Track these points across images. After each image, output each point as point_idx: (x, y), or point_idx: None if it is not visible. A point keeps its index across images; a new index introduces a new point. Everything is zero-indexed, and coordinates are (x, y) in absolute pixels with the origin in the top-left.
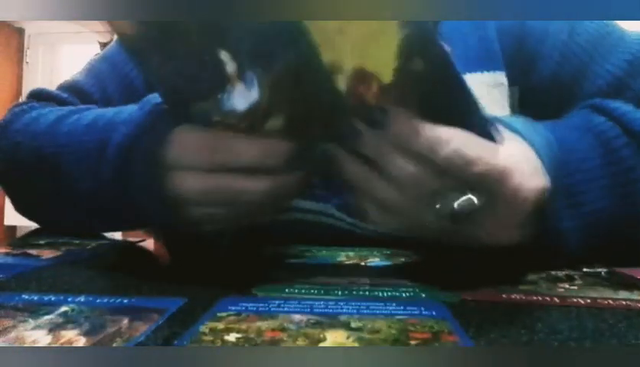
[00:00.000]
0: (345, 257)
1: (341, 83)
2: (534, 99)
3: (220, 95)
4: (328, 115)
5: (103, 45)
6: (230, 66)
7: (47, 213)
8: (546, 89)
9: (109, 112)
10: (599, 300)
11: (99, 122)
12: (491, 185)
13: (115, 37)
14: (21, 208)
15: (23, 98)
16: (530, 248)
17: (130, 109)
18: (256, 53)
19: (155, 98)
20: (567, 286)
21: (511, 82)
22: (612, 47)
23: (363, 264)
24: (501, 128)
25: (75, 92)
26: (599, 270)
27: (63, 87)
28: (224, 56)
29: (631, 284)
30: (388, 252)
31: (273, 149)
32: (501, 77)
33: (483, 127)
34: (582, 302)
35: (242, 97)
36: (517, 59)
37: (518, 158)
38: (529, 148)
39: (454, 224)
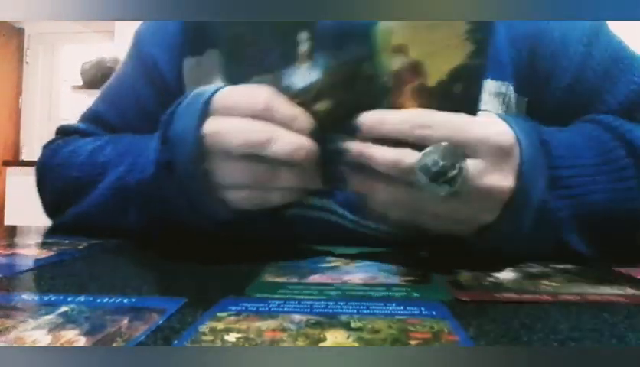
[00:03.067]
0: (343, 256)
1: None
2: (543, 114)
3: (284, 70)
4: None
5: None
6: (304, 46)
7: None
8: (556, 106)
9: (144, 139)
10: (588, 296)
11: (133, 148)
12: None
13: (125, 54)
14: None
15: (22, 98)
16: (527, 238)
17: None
18: (332, 40)
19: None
20: (547, 282)
21: (521, 94)
22: (624, 71)
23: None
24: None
25: (95, 122)
26: (565, 266)
27: (85, 117)
28: (303, 36)
29: (605, 280)
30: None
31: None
32: (503, 87)
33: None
34: (572, 298)
35: (303, 76)
36: (529, 73)
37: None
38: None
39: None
